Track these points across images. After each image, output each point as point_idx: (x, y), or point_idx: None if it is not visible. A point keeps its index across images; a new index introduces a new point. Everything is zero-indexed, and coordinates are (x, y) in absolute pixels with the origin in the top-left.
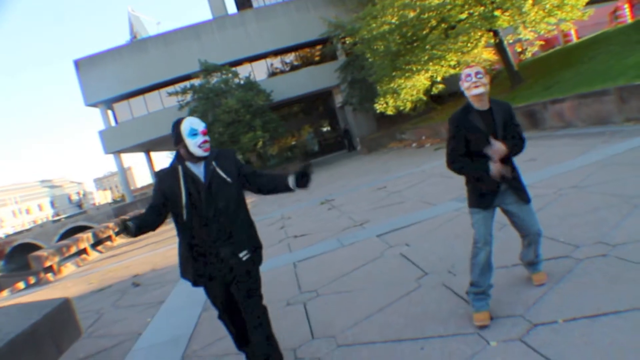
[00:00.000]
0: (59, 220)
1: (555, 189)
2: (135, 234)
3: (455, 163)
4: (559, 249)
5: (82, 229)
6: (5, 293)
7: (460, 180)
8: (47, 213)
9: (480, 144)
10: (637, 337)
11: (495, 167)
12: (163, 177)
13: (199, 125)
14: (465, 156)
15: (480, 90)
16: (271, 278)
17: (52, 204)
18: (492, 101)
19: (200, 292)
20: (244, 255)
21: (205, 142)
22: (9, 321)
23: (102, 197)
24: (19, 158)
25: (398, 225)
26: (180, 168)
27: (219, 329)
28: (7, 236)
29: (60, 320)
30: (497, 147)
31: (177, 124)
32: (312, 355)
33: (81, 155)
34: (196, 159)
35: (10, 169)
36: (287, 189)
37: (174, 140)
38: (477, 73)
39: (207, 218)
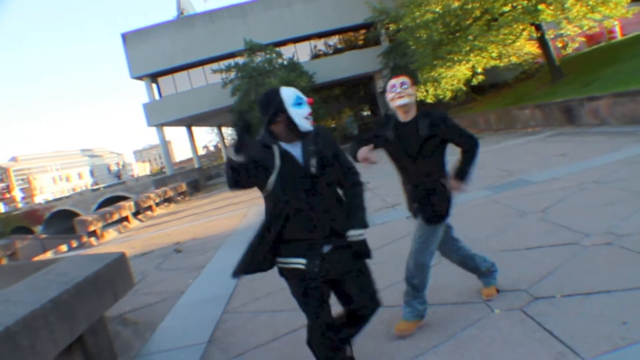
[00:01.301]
0: (97, 189)
1: (579, 182)
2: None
3: (351, 146)
4: (570, 236)
5: (120, 199)
6: (50, 254)
7: (490, 170)
8: (87, 182)
9: (392, 155)
10: (620, 311)
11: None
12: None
13: (302, 94)
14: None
15: (405, 100)
16: None
17: (92, 173)
18: (422, 112)
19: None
20: None
21: (311, 114)
22: (75, 268)
23: (141, 169)
24: (61, 126)
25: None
26: (276, 147)
27: (256, 290)
28: (47, 202)
29: (117, 271)
30: (364, 156)
31: (275, 93)
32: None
33: (122, 127)
34: (292, 138)
35: (52, 136)
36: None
37: (271, 112)
38: (402, 83)
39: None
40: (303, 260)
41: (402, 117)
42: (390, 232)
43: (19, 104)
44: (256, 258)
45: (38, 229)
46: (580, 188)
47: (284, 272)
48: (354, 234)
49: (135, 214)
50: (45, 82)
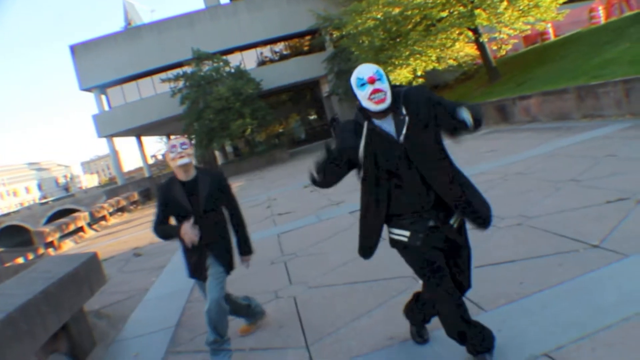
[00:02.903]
0: (46, 202)
1: (503, 174)
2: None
3: (156, 230)
4: None
5: (69, 211)
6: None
7: None
8: (35, 196)
9: (181, 217)
10: (520, 275)
11: (186, 235)
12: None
13: (368, 71)
14: (165, 223)
15: (185, 160)
16: (258, 246)
17: (40, 186)
18: (200, 171)
19: None
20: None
21: (376, 91)
22: (56, 266)
23: (90, 181)
24: (6, 140)
25: None
26: (366, 124)
27: None
28: None
29: (91, 268)
30: (186, 231)
31: (349, 78)
32: (289, 294)
33: (69, 139)
34: (380, 114)
35: None
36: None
37: (353, 95)
38: (182, 144)
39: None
40: (406, 233)
41: (182, 177)
42: (333, 226)
43: None
44: (371, 237)
45: None
46: (504, 179)
47: (392, 243)
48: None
49: (90, 225)
50: None
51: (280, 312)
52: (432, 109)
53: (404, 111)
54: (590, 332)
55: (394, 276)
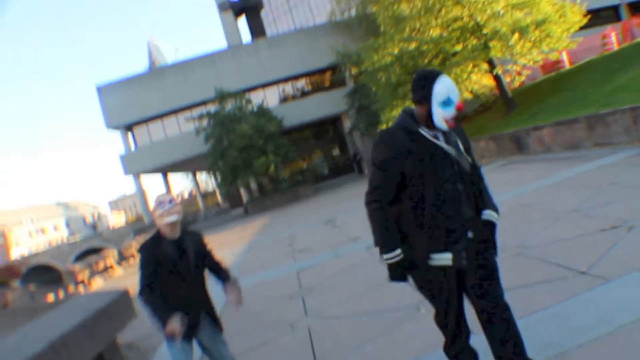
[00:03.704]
0: (74, 241)
1: (511, 206)
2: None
3: (143, 295)
4: None
5: (97, 250)
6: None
7: None
8: (63, 234)
9: (173, 276)
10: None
11: (170, 329)
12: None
13: (457, 94)
14: (156, 290)
15: (174, 217)
16: (279, 282)
17: (68, 225)
18: (184, 231)
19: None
20: None
21: (455, 118)
22: (90, 301)
23: (117, 219)
24: (35, 180)
25: None
26: (423, 131)
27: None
28: (24, 257)
29: (122, 303)
30: (172, 327)
31: (430, 80)
32: (304, 325)
33: (97, 177)
34: (430, 127)
35: (26, 190)
36: None
37: (418, 96)
38: (170, 200)
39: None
40: (449, 256)
41: (169, 235)
42: (349, 262)
43: None
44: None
45: (16, 283)
46: (510, 211)
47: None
48: (491, 214)
49: (119, 262)
50: (17, 134)
51: (296, 341)
52: (466, 148)
53: (453, 133)
54: (562, 351)
55: (400, 306)
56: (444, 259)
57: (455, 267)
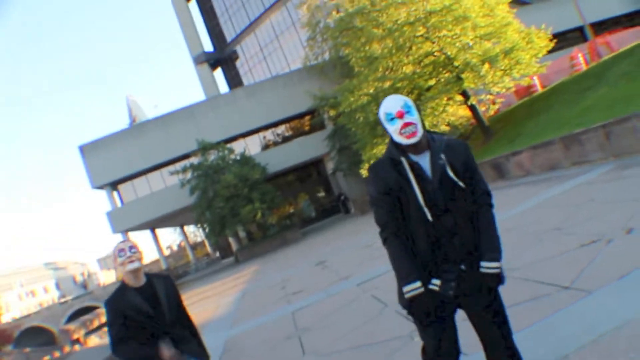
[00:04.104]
0: (65, 302)
1: None
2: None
3: (117, 351)
4: None
5: (89, 309)
6: None
7: None
8: (53, 295)
9: (144, 325)
10: None
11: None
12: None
13: (396, 104)
14: (131, 339)
15: (136, 265)
16: (275, 324)
17: (58, 285)
18: (150, 275)
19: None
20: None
21: (406, 125)
22: (90, 356)
23: (107, 277)
24: (21, 242)
25: (374, 274)
26: (403, 160)
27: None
28: (15, 320)
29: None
30: (167, 354)
31: (379, 109)
32: None
33: (83, 236)
34: (416, 149)
35: (13, 252)
36: None
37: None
38: (130, 247)
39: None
40: (437, 282)
41: (133, 283)
42: (342, 299)
43: None
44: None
45: (8, 348)
46: None
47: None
48: (488, 266)
49: None
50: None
51: None
52: (468, 169)
53: (442, 156)
54: None
55: (394, 336)
56: (432, 284)
57: (441, 293)
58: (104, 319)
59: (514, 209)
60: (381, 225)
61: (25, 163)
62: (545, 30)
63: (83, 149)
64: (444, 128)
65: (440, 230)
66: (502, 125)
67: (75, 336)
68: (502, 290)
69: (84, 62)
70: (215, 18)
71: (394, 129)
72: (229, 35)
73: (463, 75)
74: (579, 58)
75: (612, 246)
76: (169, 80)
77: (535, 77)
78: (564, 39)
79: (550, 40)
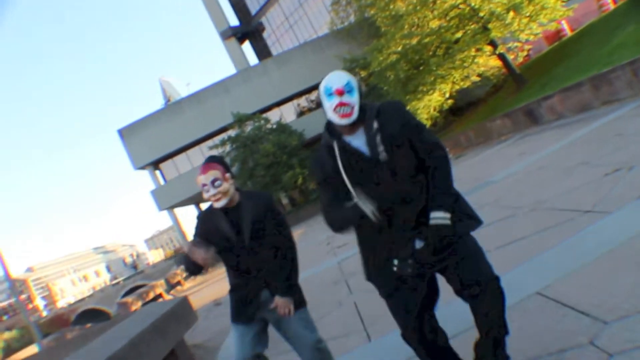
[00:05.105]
0: (117, 283)
1: (527, 171)
2: None
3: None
4: (507, 211)
5: (141, 288)
6: None
7: (465, 180)
8: (105, 278)
9: (225, 252)
10: (524, 249)
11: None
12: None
13: (338, 81)
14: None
15: (223, 202)
16: (323, 273)
17: (108, 268)
18: (245, 195)
19: None
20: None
21: (342, 104)
22: (156, 307)
23: (155, 256)
24: (71, 229)
25: None
26: (335, 144)
27: None
28: (70, 305)
29: (184, 308)
30: (279, 306)
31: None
32: (351, 301)
33: (130, 217)
34: (350, 129)
35: (63, 240)
36: None
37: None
38: (213, 181)
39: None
40: (394, 262)
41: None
42: None
43: (25, 214)
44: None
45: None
46: (526, 176)
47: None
48: (436, 216)
49: (168, 291)
50: (49, 189)
51: (345, 313)
52: (407, 130)
53: (375, 125)
54: (570, 271)
55: None
56: (393, 264)
57: (400, 274)
58: (158, 291)
59: (545, 149)
60: (323, 210)
61: (68, 157)
62: None
63: (122, 133)
64: (474, 79)
65: (389, 201)
66: (534, 72)
67: (133, 308)
68: (531, 220)
69: (111, 52)
70: None
71: (329, 105)
72: (252, 8)
73: (490, 25)
74: None
75: (634, 172)
76: (198, 59)
77: (563, 21)
78: None
79: None
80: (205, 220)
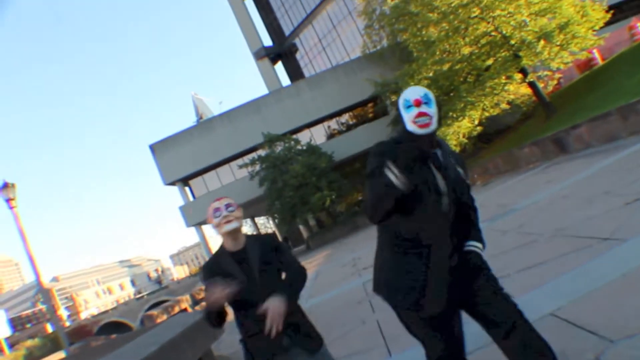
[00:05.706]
0: (141, 297)
1: (551, 200)
2: None
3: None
4: (529, 237)
5: (165, 303)
6: None
7: (490, 206)
8: (129, 291)
9: (242, 292)
10: (543, 273)
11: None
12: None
13: (415, 93)
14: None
15: (234, 225)
16: (347, 293)
17: (133, 282)
18: (250, 237)
19: None
20: None
21: (421, 114)
22: (186, 318)
23: (180, 272)
24: (97, 241)
25: None
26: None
27: None
28: (94, 317)
29: None
30: (270, 307)
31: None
32: (374, 319)
33: (156, 232)
34: (428, 144)
35: (89, 251)
36: None
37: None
38: (227, 205)
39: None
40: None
41: (231, 246)
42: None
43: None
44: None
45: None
46: (550, 204)
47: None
48: (472, 244)
49: (193, 307)
50: (81, 201)
51: (368, 331)
52: (467, 179)
53: (450, 158)
54: (583, 294)
55: None
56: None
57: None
58: (183, 305)
59: (571, 179)
60: (366, 198)
61: (100, 169)
62: (601, 2)
63: (153, 148)
64: (504, 106)
65: (433, 230)
66: (564, 100)
67: (159, 320)
68: (551, 246)
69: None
70: (272, 13)
71: (408, 117)
72: (286, 29)
73: (520, 53)
74: (638, 27)
75: None
76: (231, 77)
77: (594, 50)
78: (621, 11)
79: (606, 12)
80: (211, 268)
